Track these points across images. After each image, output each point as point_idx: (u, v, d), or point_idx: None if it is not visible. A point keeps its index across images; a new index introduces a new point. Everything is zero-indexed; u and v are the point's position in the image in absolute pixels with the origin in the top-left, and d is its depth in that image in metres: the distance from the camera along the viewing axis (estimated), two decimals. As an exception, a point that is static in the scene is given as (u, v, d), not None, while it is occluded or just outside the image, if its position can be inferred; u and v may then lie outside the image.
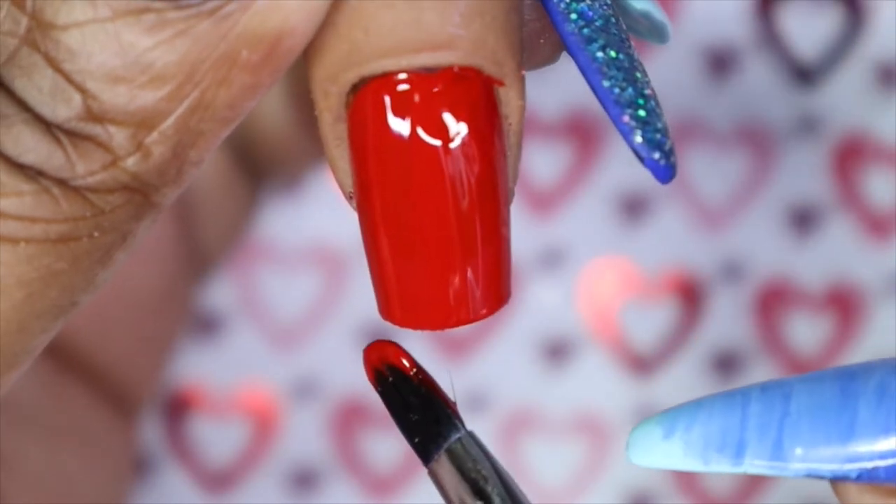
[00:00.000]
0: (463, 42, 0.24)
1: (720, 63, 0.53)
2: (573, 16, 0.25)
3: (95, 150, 0.24)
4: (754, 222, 0.53)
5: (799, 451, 0.26)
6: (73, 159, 0.24)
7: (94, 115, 0.23)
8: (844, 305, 0.54)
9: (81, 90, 0.23)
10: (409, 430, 0.27)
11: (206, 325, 0.52)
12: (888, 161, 0.54)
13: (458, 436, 0.26)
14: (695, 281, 0.53)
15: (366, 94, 0.25)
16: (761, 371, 0.53)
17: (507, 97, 0.25)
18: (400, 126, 0.25)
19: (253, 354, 0.53)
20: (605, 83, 0.25)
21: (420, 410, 0.27)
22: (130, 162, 0.24)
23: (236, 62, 0.23)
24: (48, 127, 0.24)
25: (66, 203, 0.24)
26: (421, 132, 0.25)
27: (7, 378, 0.25)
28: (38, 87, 0.23)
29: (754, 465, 0.27)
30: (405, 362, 0.26)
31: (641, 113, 0.26)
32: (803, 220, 0.53)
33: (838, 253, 0.54)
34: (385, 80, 0.24)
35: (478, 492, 0.26)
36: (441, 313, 0.26)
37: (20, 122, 0.23)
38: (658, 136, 0.25)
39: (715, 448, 0.26)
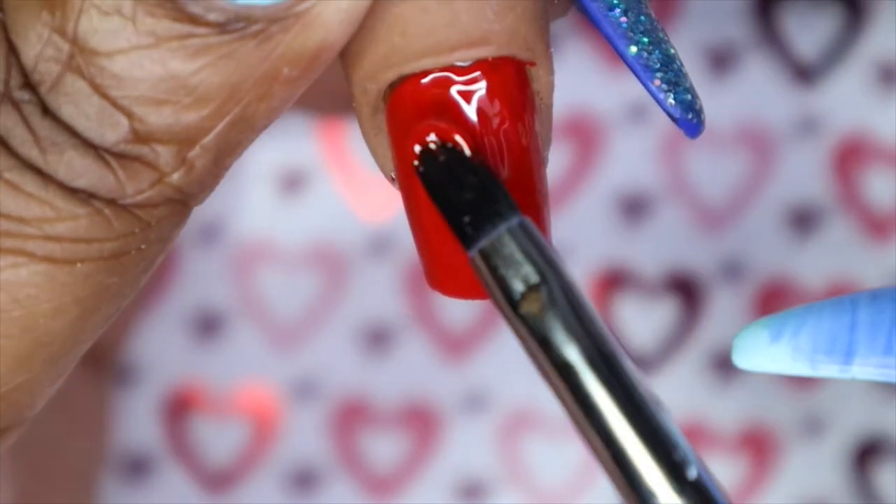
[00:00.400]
0: (497, 36, 0.25)
1: (720, 62, 0.53)
2: None
3: (143, 169, 0.24)
4: (754, 222, 0.53)
5: None
6: (122, 180, 0.24)
7: (140, 137, 0.24)
8: (844, 305, 0.54)
9: (128, 114, 0.24)
10: (459, 210, 0.24)
11: (206, 325, 0.52)
12: (888, 161, 0.54)
13: (518, 219, 0.24)
14: (695, 281, 0.53)
15: (405, 89, 0.25)
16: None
17: (538, 74, 0.26)
18: (439, 114, 0.25)
19: (253, 354, 0.53)
20: (633, 48, 0.26)
21: (476, 189, 0.24)
22: (175, 177, 0.24)
23: (277, 79, 0.24)
24: (97, 151, 0.24)
25: (117, 222, 0.24)
26: (459, 118, 0.26)
27: (57, 385, 0.26)
28: (85, 114, 0.24)
29: (863, 369, 0.26)
30: (463, 141, 0.25)
31: (670, 75, 0.26)
32: (803, 220, 0.53)
33: (838, 253, 0.54)
34: (422, 74, 0.25)
35: (542, 274, 0.24)
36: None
37: (70, 149, 0.24)
38: (688, 96, 0.26)
39: (823, 352, 0.26)
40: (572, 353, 0.23)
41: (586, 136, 0.53)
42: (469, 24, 0.25)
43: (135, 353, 0.52)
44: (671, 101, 0.27)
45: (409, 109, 0.26)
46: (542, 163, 0.27)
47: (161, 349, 0.52)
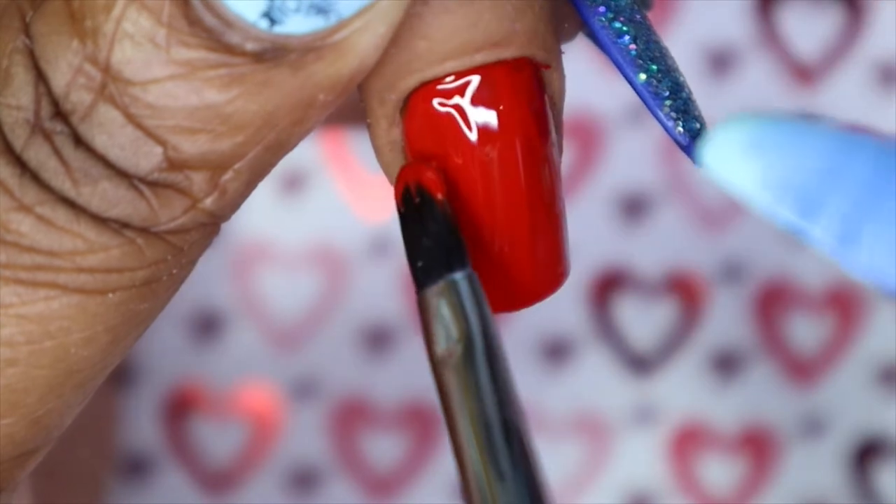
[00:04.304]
0: (518, 37, 0.25)
1: (720, 63, 0.53)
2: (601, 8, 0.26)
3: (176, 196, 0.24)
4: (754, 222, 0.53)
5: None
6: (155, 208, 0.24)
7: (174, 165, 0.24)
8: (844, 305, 0.54)
9: (162, 143, 0.24)
10: (416, 253, 0.25)
11: (206, 325, 0.53)
12: (888, 161, 0.54)
13: (464, 272, 0.25)
14: (695, 281, 0.53)
15: (426, 96, 0.25)
16: (761, 371, 0.53)
17: (551, 78, 0.26)
18: (462, 122, 0.25)
19: (253, 354, 0.53)
20: (642, 76, 0.26)
21: (435, 237, 0.25)
22: (208, 202, 0.24)
23: (313, 105, 0.24)
24: (130, 180, 0.24)
25: (149, 250, 0.24)
26: (484, 127, 0.25)
27: (83, 405, 0.26)
28: (119, 143, 0.24)
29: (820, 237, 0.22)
30: (438, 190, 0.25)
31: (679, 103, 0.26)
32: (803, 220, 0.53)
33: (838, 253, 0.54)
34: (441, 79, 0.25)
35: (463, 332, 0.25)
36: (515, 295, 0.27)
37: (104, 179, 0.24)
38: (697, 124, 0.26)
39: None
40: (466, 413, 0.24)
41: (586, 136, 0.53)
42: (492, 24, 0.24)
43: (135, 353, 0.52)
44: (680, 129, 0.26)
45: (428, 117, 0.25)
46: (559, 169, 0.27)
47: (161, 349, 0.52)
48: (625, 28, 0.26)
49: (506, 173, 0.26)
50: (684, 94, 0.26)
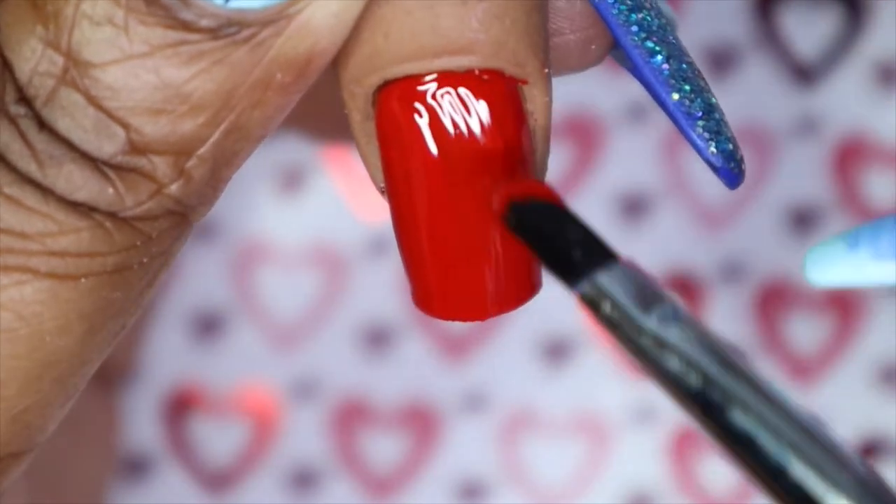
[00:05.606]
0: (482, 46, 0.25)
1: (720, 63, 0.53)
2: (634, 28, 0.26)
3: (141, 181, 0.24)
4: (754, 222, 0.53)
5: None
6: (121, 192, 0.24)
7: (137, 148, 0.24)
8: (844, 305, 0.54)
9: (124, 125, 0.24)
10: (564, 254, 0.25)
11: (206, 325, 0.53)
12: (888, 161, 0.54)
13: (618, 261, 0.25)
14: (695, 281, 0.53)
15: (390, 95, 0.25)
16: (761, 371, 0.53)
17: (531, 94, 0.26)
18: (424, 124, 0.25)
19: (253, 354, 0.53)
20: (675, 96, 0.26)
21: (578, 236, 0.25)
22: (174, 188, 0.24)
23: (270, 85, 0.24)
24: (95, 163, 0.24)
25: (118, 235, 0.24)
26: (442, 134, 0.25)
27: (67, 407, 0.26)
28: (81, 126, 0.24)
29: None
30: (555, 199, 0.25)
31: (712, 123, 0.26)
32: (803, 220, 0.53)
33: (838, 253, 0.54)
34: (408, 81, 0.25)
35: (657, 301, 0.25)
36: (474, 304, 0.27)
37: (69, 162, 0.24)
38: (730, 145, 0.26)
39: None
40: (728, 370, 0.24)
41: (586, 136, 0.53)
42: (452, 30, 0.24)
43: (135, 353, 0.52)
44: (713, 149, 0.26)
45: (395, 118, 0.25)
46: None
47: (161, 349, 0.52)
48: (657, 48, 0.26)
49: (458, 183, 0.26)
50: (717, 115, 0.26)
